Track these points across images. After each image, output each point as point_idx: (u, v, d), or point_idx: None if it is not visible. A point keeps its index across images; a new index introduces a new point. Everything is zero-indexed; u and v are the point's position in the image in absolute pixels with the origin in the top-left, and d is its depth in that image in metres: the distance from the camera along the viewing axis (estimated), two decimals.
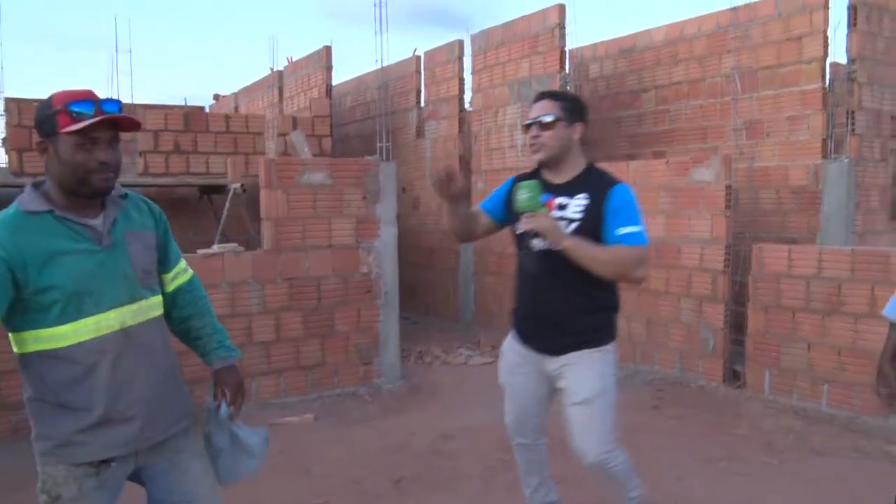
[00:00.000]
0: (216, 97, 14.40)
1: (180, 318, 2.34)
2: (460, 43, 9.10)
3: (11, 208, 1.98)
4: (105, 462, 2.03)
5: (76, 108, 1.92)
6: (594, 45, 9.45)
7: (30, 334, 1.95)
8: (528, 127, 2.89)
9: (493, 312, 8.69)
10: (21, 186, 6.64)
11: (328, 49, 9.42)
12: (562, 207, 2.82)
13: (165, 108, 8.76)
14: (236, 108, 12.83)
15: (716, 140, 8.07)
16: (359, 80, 11.27)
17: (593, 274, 2.73)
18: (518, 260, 3.00)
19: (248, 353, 5.60)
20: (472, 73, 8.94)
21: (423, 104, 9.92)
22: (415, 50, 9.91)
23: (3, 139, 8.45)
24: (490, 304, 8.76)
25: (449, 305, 9.42)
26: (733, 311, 6.22)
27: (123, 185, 2.18)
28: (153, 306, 2.15)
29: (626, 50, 9.02)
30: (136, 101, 10.02)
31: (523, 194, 2.77)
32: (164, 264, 2.26)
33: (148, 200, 2.26)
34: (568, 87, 7.67)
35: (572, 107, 2.88)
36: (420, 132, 9.88)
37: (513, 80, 8.24)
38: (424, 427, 5.17)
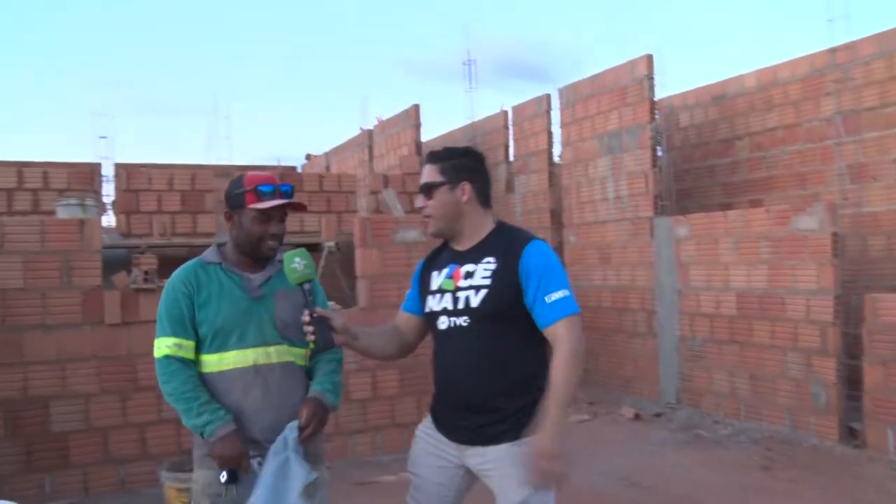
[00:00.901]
0: (308, 157, 14.94)
1: (312, 364, 2.61)
2: (548, 97, 9.18)
3: (196, 259, 2.54)
4: (230, 477, 2.35)
5: (263, 189, 2.44)
6: (684, 94, 9.36)
7: (199, 357, 2.45)
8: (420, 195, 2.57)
9: (589, 369, 8.51)
10: (127, 247, 7.03)
11: (416, 108, 9.67)
12: (469, 275, 2.43)
13: (260, 168, 9.14)
14: (328, 167, 13.26)
15: (816, 186, 7.80)
16: (447, 137, 11.48)
17: (514, 348, 2.39)
18: (433, 343, 2.56)
19: (345, 411, 5.65)
20: (560, 127, 8.98)
21: (511, 159, 10.00)
22: (502, 105, 10.06)
23: (114, 202, 8.98)
24: (586, 361, 8.58)
25: None
26: (846, 364, 5.91)
27: (221, 244, 2.60)
28: (289, 354, 2.50)
29: (717, 97, 8.90)
30: (234, 163, 10.47)
31: (297, 262, 2.36)
32: None
33: (311, 261, 2.52)
34: (659, 138, 7.59)
35: (456, 165, 2.47)
36: (510, 187, 9.95)
37: (602, 132, 8.22)
38: None
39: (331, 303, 6.00)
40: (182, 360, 2.40)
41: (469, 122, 9.73)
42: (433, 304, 2.49)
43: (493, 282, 2.37)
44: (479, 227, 2.49)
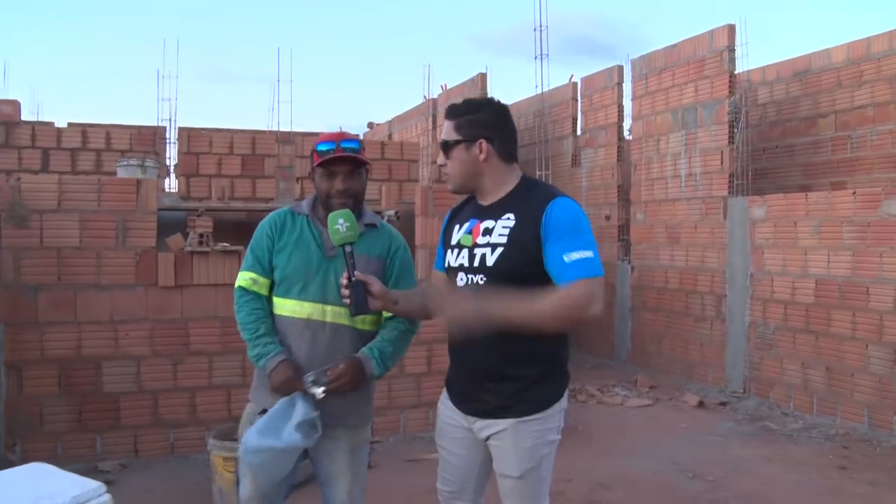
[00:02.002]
0: (370, 125, 14.81)
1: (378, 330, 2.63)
2: (619, 68, 8.79)
3: (286, 207, 2.65)
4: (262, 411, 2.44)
5: (322, 148, 2.50)
6: (763, 69, 8.83)
7: (271, 296, 2.57)
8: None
9: (651, 351, 8.22)
10: (186, 210, 6.98)
11: (483, 76, 9.38)
12: (487, 232, 2.28)
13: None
14: (390, 136, 13.09)
15: None
16: (514, 107, 11.18)
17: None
18: None
19: (399, 385, 5.51)
20: (631, 100, 8.59)
21: (579, 132, 9.65)
22: (571, 76, 9.68)
23: (175, 165, 9.00)
24: (647, 342, 8.29)
25: (603, 341, 9.02)
26: None
27: (275, 209, 2.65)
28: (347, 317, 2.48)
29: (801, 72, 8.36)
30: (296, 130, 10.38)
31: (341, 223, 2.33)
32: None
33: (394, 235, 2.65)
34: (738, 114, 7.15)
35: (473, 121, 2.30)
36: (576, 161, 9.61)
37: (676, 106, 7.81)
38: (581, 473, 4.85)
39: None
40: (255, 294, 2.54)
41: (538, 93, 9.37)
42: (451, 259, 2.38)
43: (508, 240, 2.22)
44: (501, 183, 2.33)
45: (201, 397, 4.95)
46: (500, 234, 2.25)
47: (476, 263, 2.28)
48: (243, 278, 2.56)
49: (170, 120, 8.88)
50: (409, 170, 8.76)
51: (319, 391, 2.36)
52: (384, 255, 2.60)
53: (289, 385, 2.41)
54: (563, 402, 2.35)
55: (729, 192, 7.17)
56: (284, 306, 2.53)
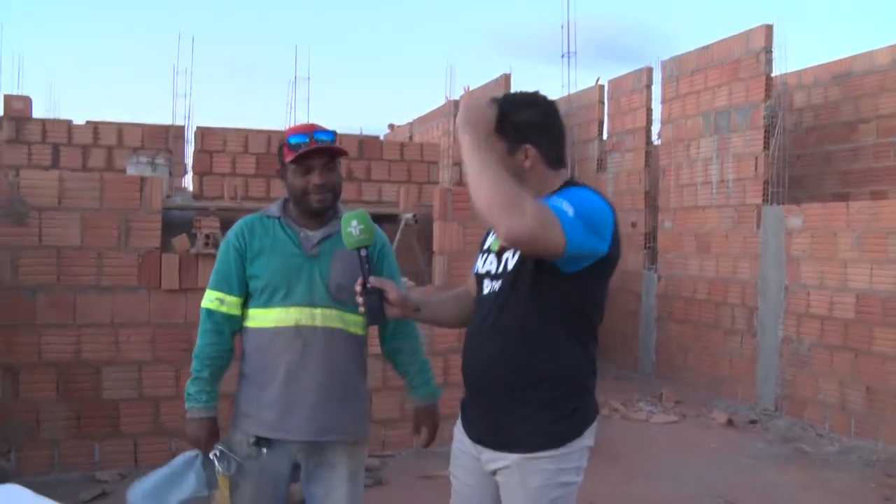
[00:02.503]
0: (391, 127, 14.58)
1: (390, 348, 2.55)
2: (649, 70, 8.47)
3: (254, 214, 2.46)
4: (261, 442, 2.32)
5: (293, 141, 2.31)
6: (799, 72, 8.47)
7: (246, 311, 2.38)
8: None
9: (677, 364, 7.88)
10: (197, 209, 6.78)
11: (507, 76, 9.11)
12: None
13: (340, 136, 8.81)
14: (410, 138, 12.86)
15: None
16: None
17: (549, 329, 1.95)
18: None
19: (382, 403, 5.23)
20: (661, 103, 8.26)
21: (605, 136, 9.35)
22: (598, 78, 9.38)
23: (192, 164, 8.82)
24: (674, 355, 7.95)
25: (627, 352, 8.70)
26: None
27: (287, 199, 2.45)
28: (341, 320, 2.34)
29: (841, 75, 7.99)
30: None
31: (354, 226, 2.12)
32: None
33: (379, 231, 2.45)
34: (774, 119, 6.82)
35: (517, 124, 1.98)
36: (602, 165, 9.31)
37: (708, 109, 7.48)
38: (605, 497, 4.55)
39: (404, 279, 5.62)
40: (221, 319, 2.36)
41: (565, 94, 9.08)
42: (479, 265, 2.15)
43: None
44: (544, 189, 2.00)
45: None
46: None
47: (499, 269, 2.03)
48: (209, 299, 2.39)
49: (186, 117, 8.72)
50: (428, 172, 8.52)
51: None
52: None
53: (199, 445, 2.32)
54: (587, 440, 2.03)
55: (763, 200, 6.83)
56: (268, 316, 2.33)
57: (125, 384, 4.55)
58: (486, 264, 2.10)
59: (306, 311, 2.32)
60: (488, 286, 2.07)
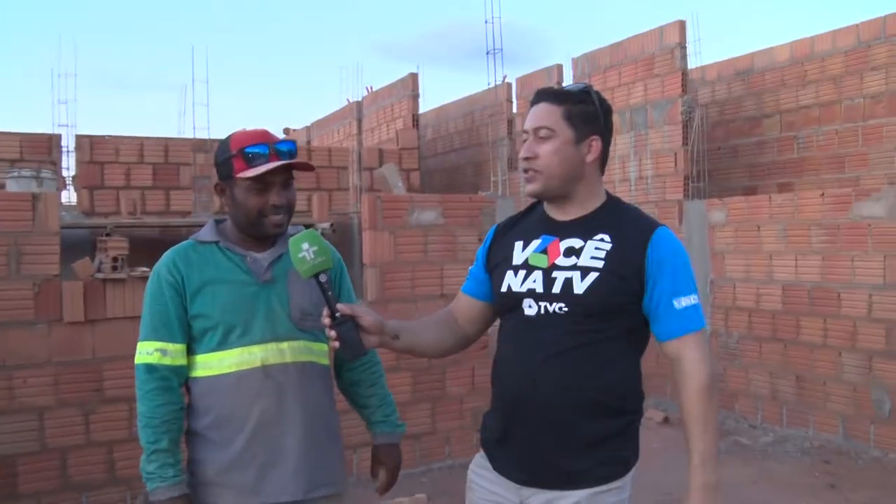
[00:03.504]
0: (286, 131, 13.97)
1: (349, 379, 2.26)
2: (559, 67, 8.41)
3: (189, 240, 2.05)
4: None
5: (251, 151, 1.94)
6: (703, 68, 8.62)
7: (192, 359, 1.99)
8: (524, 141, 1.94)
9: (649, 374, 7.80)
10: (90, 227, 6.10)
11: (414, 76, 8.83)
12: (572, 252, 1.87)
13: None
14: (308, 142, 12.33)
15: (857, 169, 7.15)
16: (439, 111, 10.65)
17: (614, 355, 1.85)
18: (499, 336, 2.01)
19: (346, 422, 4.84)
20: None
21: (514, 135, 9.22)
22: (504, 77, 9.24)
23: (74, 176, 8.01)
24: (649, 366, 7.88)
25: None
26: None
27: (198, 226, 2.10)
28: (310, 351, 2.04)
29: (743, 71, 8.19)
30: (213, 137, 9.52)
31: (306, 249, 1.82)
32: None
33: (333, 249, 2.07)
34: (692, 114, 6.85)
35: (586, 114, 1.89)
36: (512, 164, 9.16)
37: (623, 106, 7.46)
38: None
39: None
40: (168, 373, 1.94)
41: (492, 86, 8.83)
42: (514, 282, 1.91)
43: (606, 265, 1.82)
44: (592, 196, 1.93)
45: (121, 451, 4.13)
46: (593, 257, 1.84)
47: (556, 290, 1.84)
48: (146, 352, 1.95)
49: (67, 126, 7.89)
50: (338, 177, 8.10)
51: None
52: None
53: None
54: (636, 471, 1.92)
55: (685, 196, 6.85)
56: (225, 361, 1.96)
57: (23, 436, 3.91)
58: (527, 282, 1.89)
59: (272, 346, 1.98)
60: (536, 307, 1.87)
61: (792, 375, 5.95)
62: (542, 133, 1.87)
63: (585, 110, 1.89)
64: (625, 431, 1.87)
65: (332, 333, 1.78)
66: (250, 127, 2.10)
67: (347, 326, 1.79)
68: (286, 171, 2.01)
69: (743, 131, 8.17)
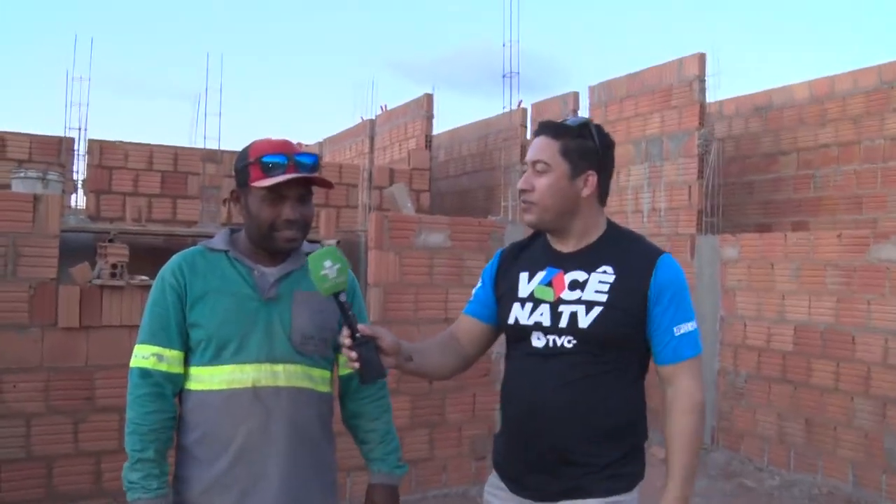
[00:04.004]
0: (298, 146, 13.96)
1: (351, 411, 2.13)
2: (575, 95, 8.35)
3: (199, 245, 1.99)
4: None
5: (269, 161, 1.87)
6: (720, 102, 8.54)
7: (187, 369, 1.91)
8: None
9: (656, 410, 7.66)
10: (94, 232, 6.03)
11: (429, 97, 8.79)
12: (577, 286, 1.92)
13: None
14: (321, 158, 12.32)
15: (875, 211, 7.03)
16: (453, 134, 10.61)
17: (620, 383, 1.94)
18: (508, 364, 2.07)
19: (341, 445, 4.73)
20: None
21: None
22: (520, 102, 9.19)
23: (83, 181, 7.97)
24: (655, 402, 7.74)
25: None
26: None
27: (203, 236, 1.83)
28: (308, 377, 1.94)
29: (762, 108, 8.11)
30: (225, 148, 9.50)
31: (328, 267, 1.74)
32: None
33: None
34: (709, 147, 6.76)
35: (583, 149, 1.94)
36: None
37: (639, 136, 7.38)
38: None
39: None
40: (162, 380, 1.86)
41: (508, 110, 8.76)
42: (521, 314, 1.97)
43: (610, 298, 1.89)
44: (591, 228, 2.00)
45: (109, 463, 4.03)
46: (596, 291, 1.91)
47: (563, 324, 1.91)
48: (142, 356, 1.87)
49: (79, 129, 7.87)
50: (348, 195, 8.02)
51: None
52: None
53: None
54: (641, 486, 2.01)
55: (697, 230, 6.74)
56: (216, 377, 1.88)
57: (10, 441, 3.82)
58: (535, 315, 1.95)
59: (266, 368, 1.89)
60: (545, 340, 1.94)
61: (801, 418, 5.79)
62: (539, 167, 1.93)
63: (583, 145, 1.94)
64: (630, 453, 1.95)
65: (353, 354, 1.74)
66: (263, 138, 2.02)
67: (368, 347, 1.74)
68: (304, 184, 1.93)
69: (759, 168, 8.08)
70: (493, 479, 2.07)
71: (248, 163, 1.90)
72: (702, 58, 6.78)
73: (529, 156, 1.98)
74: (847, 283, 5.50)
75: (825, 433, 5.62)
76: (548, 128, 1.99)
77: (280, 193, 1.88)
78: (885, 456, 5.20)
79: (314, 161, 1.95)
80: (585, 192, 1.94)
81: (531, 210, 1.96)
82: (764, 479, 5.80)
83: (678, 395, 1.90)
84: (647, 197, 7.24)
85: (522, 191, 1.97)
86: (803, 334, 5.79)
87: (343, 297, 1.77)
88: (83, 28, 43.65)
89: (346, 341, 1.74)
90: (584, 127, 1.97)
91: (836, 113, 7.40)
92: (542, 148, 1.94)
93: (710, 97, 7.02)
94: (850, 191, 7.25)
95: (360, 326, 1.75)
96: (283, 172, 1.87)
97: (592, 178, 1.95)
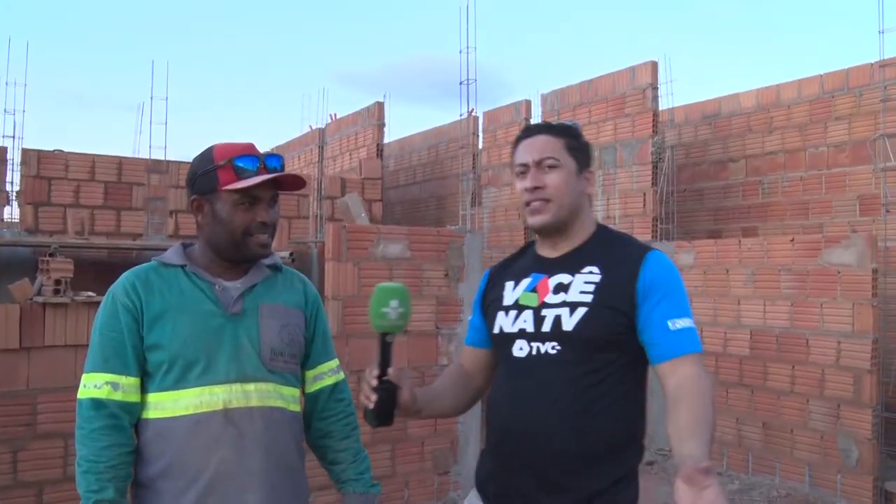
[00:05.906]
0: None
1: (318, 430, 2.02)
2: (527, 103, 8.35)
3: (152, 261, 1.87)
4: None
5: (241, 164, 1.79)
6: (671, 110, 8.65)
7: (144, 397, 1.77)
8: (521, 174, 1.90)
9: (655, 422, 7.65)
10: (32, 246, 5.73)
11: (380, 105, 8.67)
12: (561, 288, 1.83)
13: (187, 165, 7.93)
14: None
15: (821, 216, 7.18)
16: (402, 143, 10.52)
17: (615, 393, 1.78)
18: (495, 377, 1.99)
19: (308, 462, 4.58)
20: None
21: (478, 169, 9.10)
22: (471, 110, 9.13)
23: (18, 192, 7.60)
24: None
25: None
26: (882, 418, 5.20)
27: (149, 249, 1.82)
28: (279, 396, 1.84)
29: (710, 115, 8.24)
30: (170, 158, 9.20)
31: (393, 307, 1.69)
32: (307, 357, 1.98)
33: (306, 280, 2.03)
34: (664, 155, 6.82)
35: (582, 147, 1.93)
36: (476, 200, 9.03)
37: (593, 144, 7.39)
38: None
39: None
40: (118, 410, 1.70)
41: (462, 116, 8.67)
42: (505, 322, 1.89)
43: (595, 298, 1.78)
44: (582, 229, 1.93)
45: (53, 493, 3.78)
46: (581, 292, 1.80)
47: (545, 328, 1.80)
48: (94, 384, 1.72)
49: (13, 137, 7.50)
50: (299, 205, 7.83)
51: None
52: (301, 304, 1.97)
53: None
54: None
55: (652, 237, 6.78)
56: (181, 401, 1.75)
57: None
58: (517, 322, 1.86)
59: (236, 388, 1.77)
60: (527, 348, 1.83)
61: (759, 422, 5.85)
62: (549, 163, 1.86)
63: (582, 144, 1.94)
64: (623, 479, 1.78)
65: (373, 396, 1.70)
66: (223, 142, 1.90)
67: (389, 393, 1.71)
68: (274, 187, 1.86)
69: (709, 175, 8.19)
70: (474, 499, 1.95)
71: (216, 166, 1.80)
72: (654, 66, 6.86)
73: (531, 156, 1.88)
74: (800, 287, 5.57)
75: (782, 436, 5.68)
76: (548, 127, 1.95)
77: (253, 197, 1.80)
78: (840, 455, 5.28)
79: (281, 163, 1.88)
80: (590, 189, 1.94)
81: (545, 209, 1.85)
82: (724, 483, 5.82)
83: (684, 383, 1.68)
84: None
85: (532, 189, 1.85)
86: (759, 338, 5.86)
87: (390, 339, 1.71)
88: (19, 31, 42.15)
89: (373, 381, 1.70)
90: (577, 128, 1.99)
91: (781, 121, 7.55)
92: (546, 145, 1.88)
93: (663, 105, 7.10)
94: (796, 197, 7.40)
95: (390, 371, 1.71)
96: (256, 174, 1.79)
97: (591, 176, 1.95)
